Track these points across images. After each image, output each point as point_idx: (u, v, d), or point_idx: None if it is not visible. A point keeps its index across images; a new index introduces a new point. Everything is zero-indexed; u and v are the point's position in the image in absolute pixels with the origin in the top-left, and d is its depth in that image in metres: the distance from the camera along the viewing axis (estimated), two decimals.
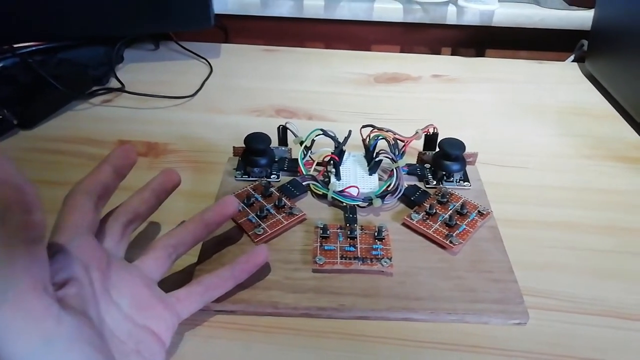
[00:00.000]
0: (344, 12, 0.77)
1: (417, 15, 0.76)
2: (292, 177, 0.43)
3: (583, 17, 0.74)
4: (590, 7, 0.73)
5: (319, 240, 0.37)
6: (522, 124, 0.57)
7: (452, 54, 0.82)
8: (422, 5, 0.75)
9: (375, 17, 0.77)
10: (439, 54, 0.82)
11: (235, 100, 0.61)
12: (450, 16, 0.76)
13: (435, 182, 0.43)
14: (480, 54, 0.82)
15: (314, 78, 0.67)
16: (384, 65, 0.71)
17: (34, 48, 0.63)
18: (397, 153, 0.42)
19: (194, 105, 0.60)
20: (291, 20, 0.79)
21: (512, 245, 0.38)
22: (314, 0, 0.77)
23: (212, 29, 0.67)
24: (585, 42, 0.71)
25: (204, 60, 0.71)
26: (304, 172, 0.43)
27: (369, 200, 0.40)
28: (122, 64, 0.69)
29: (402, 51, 0.82)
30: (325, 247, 0.36)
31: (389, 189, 0.41)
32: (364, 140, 0.44)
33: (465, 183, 0.43)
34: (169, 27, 0.71)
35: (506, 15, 0.75)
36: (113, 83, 0.63)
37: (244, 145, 0.44)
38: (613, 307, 0.34)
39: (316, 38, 0.82)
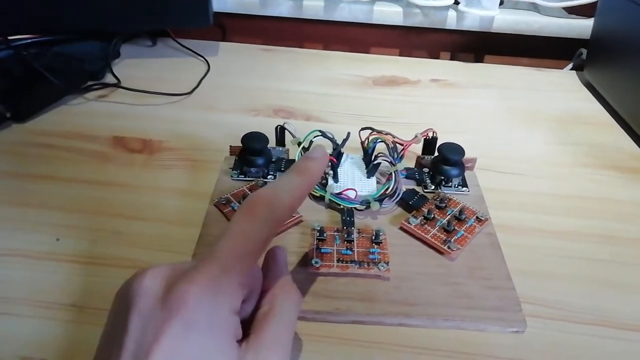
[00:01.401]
0: (344, 13, 0.77)
1: (417, 19, 0.76)
2: None
3: (582, 26, 0.74)
4: (589, 16, 0.73)
5: (315, 242, 0.36)
6: (520, 131, 0.57)
7: (451, 59, 0.82)
8: (422, 9, 0.75)
9: (375, 20, 0.77)
10: (438, 58, 0.82)
11: (233, 99, 0.60)
12: (450, 21, 0.76)
13: (433, 187, 0.43)
14: (479, 59, 0.82)
15: (312, 79, 0.66)
16: (383, 68, 0.71)
17: (29, 41, 0.62)
18: (395, 156, 0.42)
19: (191, 103, 0.59)
20: (290, 21, 0.79)
21: (510, 252, 0.38)
22: (313, 1, 0.76)
23: (210, 27, 0.66)
24: (584, 51, 0.71)
25: (201, 58, 0.70)
26: None
27: (366, 203, 0.40)
28: (119, 60, 0.68)
29: (401, 54, 0.82)
30: (322, 250, 0.36)
31: (387, 192, 0.40)
32: (362, 143, 0.44)
33: (464, 188, 0.43)
34: (167, 24, 0.71)
35: (506, 21, 0.75)
36: (109, 78, 0.62)
37: (240, 145, 0.43)
38: (609, 316, 0.34)
39: (315, 39, 0.82)
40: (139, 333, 0.21)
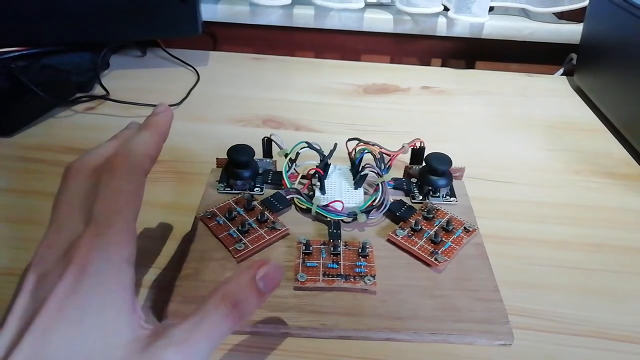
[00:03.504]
0: (334, 21, 0.77)
1: (408, 26, 0.76)
2: (275, 190, 0.42)
3: (572, 31, 0.74)
4: (579, 22, 0.73)
5: (301, 256, 0.36)
6: (511, 138, 0.56)
7: (442, 66, 0.82)
8: (413, 16, 0.75)
9: (366, 27, 0.77)
10: (429, 65, 0.82)
11: (222, 110, 0.60)
12: (441, 28, 0.76)
13: (421, 197, 0.43)
14: (470, 65, 0.82)
15: (303, 88, 0.66)
16: (374, 76, 0.70)
17: (16, 53, 0.62)
18: (383, 167, 0.42)
19: (179, 113, 0.59)
20: (281, 29, 0.79)
21: (498, 262, 0.37)
22: (304, 9, 0.76)
23: (200, 36, 0.66)
24: (574, 56, 0.71)
25: (191, 68, 0.70)
26: (288, 185, 0.42)
27: (353, 215, 0.39)
28: (108, 71, 0.68)
29: (392, 62, 0.82)
30: (308, 264, 0.35)
31: (374, 203, 0.40)
32: (349, 154, 0.44)
33: (452, 198, 0.43)
34: (156, 34, 0.70)
35: (496, 27, 0.75)
36: (98, 90, 0.62)
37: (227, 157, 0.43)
38: (599, 327, 0.34)
39: (306, 47, 0.82)
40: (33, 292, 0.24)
